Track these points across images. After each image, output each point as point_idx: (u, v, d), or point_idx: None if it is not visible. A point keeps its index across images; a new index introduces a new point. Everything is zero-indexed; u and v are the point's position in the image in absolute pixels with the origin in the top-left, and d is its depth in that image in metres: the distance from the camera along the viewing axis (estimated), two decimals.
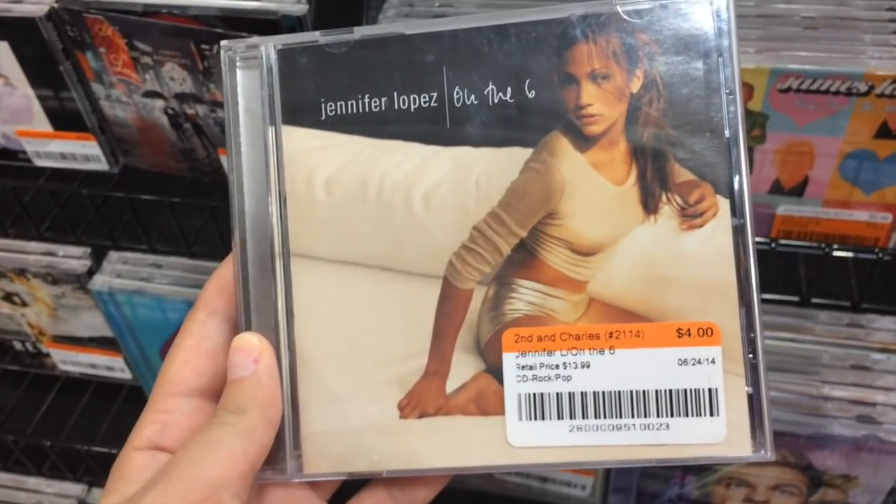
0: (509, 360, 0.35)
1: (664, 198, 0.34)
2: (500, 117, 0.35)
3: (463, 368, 0.36)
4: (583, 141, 0.35)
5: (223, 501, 0.31)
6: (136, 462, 0.34)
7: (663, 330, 0.34)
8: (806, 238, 0.63)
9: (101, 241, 0.79)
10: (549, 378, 0.35)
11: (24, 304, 0.86)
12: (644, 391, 0.34)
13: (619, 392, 0.35)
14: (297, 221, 0.37)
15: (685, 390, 0.34)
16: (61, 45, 0.65)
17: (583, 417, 0.35)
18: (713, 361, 0.34)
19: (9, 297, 0.85)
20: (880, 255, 0.59)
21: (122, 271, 0.79)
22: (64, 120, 0.70)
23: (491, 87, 0.35)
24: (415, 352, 0.36)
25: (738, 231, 0.34)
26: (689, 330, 0.34)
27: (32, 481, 0.96)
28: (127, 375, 0.90)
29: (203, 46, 0.60)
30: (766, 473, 0.71)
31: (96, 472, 0.93)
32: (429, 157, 0.36)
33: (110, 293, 0.78)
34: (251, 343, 0.35)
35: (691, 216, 0.34)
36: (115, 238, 0.78)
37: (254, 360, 0.35)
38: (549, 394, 0.35)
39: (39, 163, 0.74)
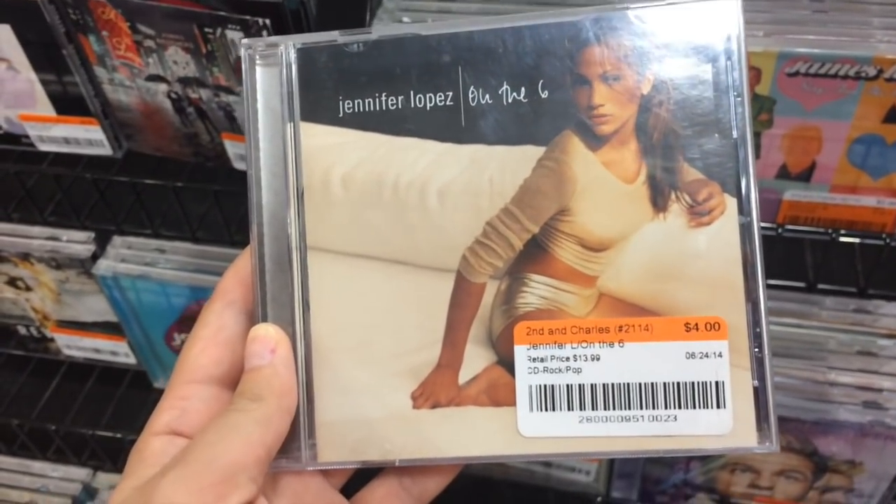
0: (521, 353, 0.37)
1: (673, 196, 0.36)
2: (514, 116, 0.36)
3: (475, 360, 0.37)
4: (594, 140, 0.36)
5: (240, 484, 0.32)
6: (154, 446, 0.35)
7: (672, 324, 0.36)
8: (813, 223, 0.63)
9: (105, 226, 0.79)
10: (560, 370, 0.36)
11: (29, 289, 0.86)
12: (652, 383, 0.36)
13: (628, 384, 0.36)
14: (314, 216, 0.38)
15: (693, 383, 0.36)
16: (64, 29, 0.65)
17: (592, 409, 0.36)
18: (720, 355, 0.35)
19: (13, 282, 0.86)
20: (887, 240, 0.59)
21: (127, 256, 0.80)
22: (67, 104, 0.71)
23: (505, 87, 0.36)
24: (428, 344, 0.37)
25: (745, 229, 0.35)
26: (696, 324, 0.36)
27: (37, 465, 0.97)
28: (131, 360, 0.90)
29: (206, 30, 0.60)
30: (771, 459, 0.71)
31: (101, 456, 0.94)
32: (444, 155, 0.37)
33: (114, 278, 0.79)
34: (268, 333, 0.37)
35: (699, 214, 0.36)
36: (118, 223, 0.78)
37: (271, 349, 0.36)
38: (559, 385, 0.36)
39: (43, 147, 0.75)
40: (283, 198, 0.38)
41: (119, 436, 0.89)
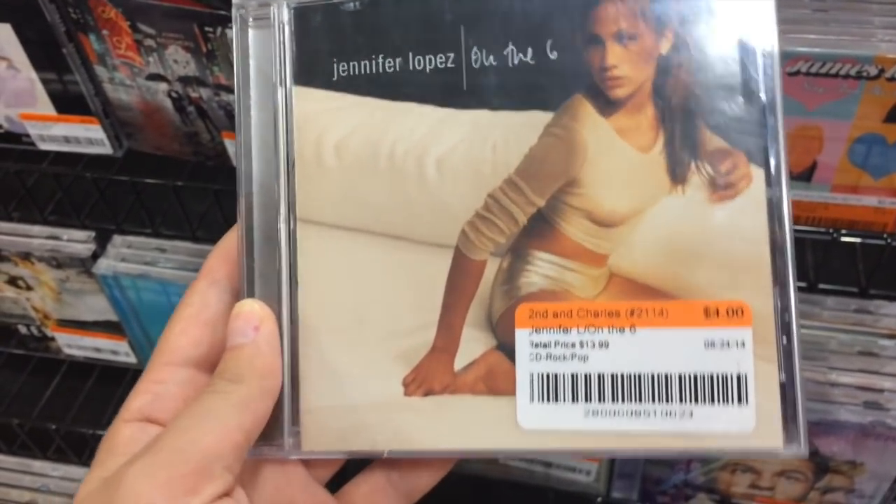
0: (522, 337, 0.33)
1: (693, 167, 0.32)
2: (520, 79, 0.33)
3: (473, 344, 0.34)
4: (607, 105, 0.33)
5: (214, 474, 0.29)
6: (124, 434, 0.32)
7: (689, 308, 0.32)
8: (814, 223, 0.62)
9: (106, 225, 0.78)
10: (565, 357, 0.33)
11: (29, 288, 0.85)
12: (667, 375, 0.32)
13: (640, 375, 0.32)
14: (305, 186, 0.35)
15: (711, 375, 0.32)
16: (64, 28, 0.64)
17: (599, 401, 0.32)
18: (743, 345, 0.31)
19: (13, 281, 0.85)
20: (888, 240, 0.57)
21: (127, 255, 0.79)
22: (67, 103, 0.69)
23: (511, 47, 0.33)
24: (422, 325, 0.34)
25: (774, 204, 0.31)
26: (717, 309, 0.32)
27: (38, 465, 0.96)
28: (132, 359, 0.89)
29: (207, 29, 0.58)
30: (771, 459, 0.69)
31: None
32: (443, 121, 0.34)
33: (115, 277, 0.77)
34: (252, 310, 0.33)
35: (722, 187, 0.32)
36: (119, 222, 0.77)
37: (254, 327, 0.33)
38: (563, 374, 0.33)
39: (43, 146, 0.73)
40: (274, 167, 0.35)
41: None
